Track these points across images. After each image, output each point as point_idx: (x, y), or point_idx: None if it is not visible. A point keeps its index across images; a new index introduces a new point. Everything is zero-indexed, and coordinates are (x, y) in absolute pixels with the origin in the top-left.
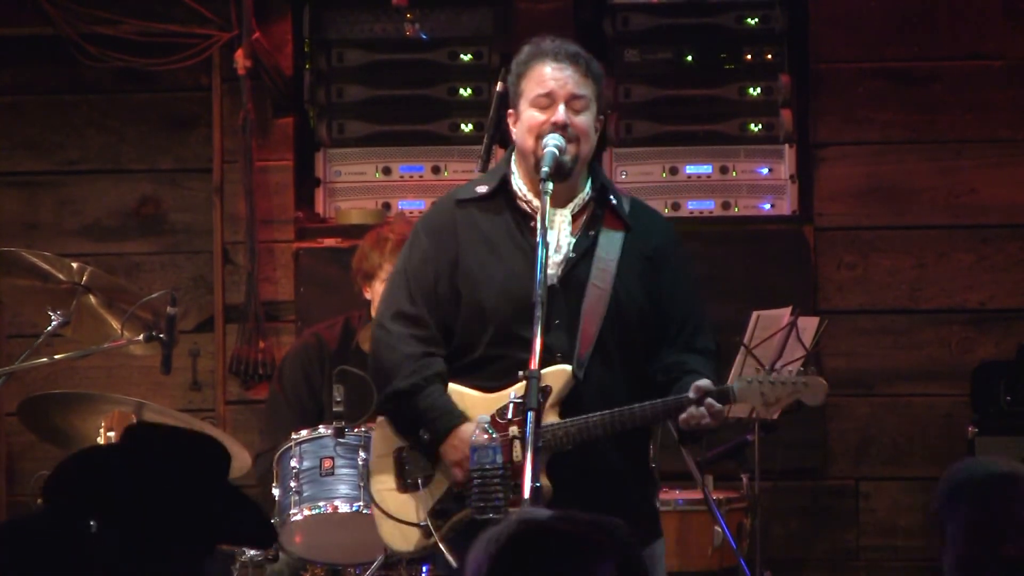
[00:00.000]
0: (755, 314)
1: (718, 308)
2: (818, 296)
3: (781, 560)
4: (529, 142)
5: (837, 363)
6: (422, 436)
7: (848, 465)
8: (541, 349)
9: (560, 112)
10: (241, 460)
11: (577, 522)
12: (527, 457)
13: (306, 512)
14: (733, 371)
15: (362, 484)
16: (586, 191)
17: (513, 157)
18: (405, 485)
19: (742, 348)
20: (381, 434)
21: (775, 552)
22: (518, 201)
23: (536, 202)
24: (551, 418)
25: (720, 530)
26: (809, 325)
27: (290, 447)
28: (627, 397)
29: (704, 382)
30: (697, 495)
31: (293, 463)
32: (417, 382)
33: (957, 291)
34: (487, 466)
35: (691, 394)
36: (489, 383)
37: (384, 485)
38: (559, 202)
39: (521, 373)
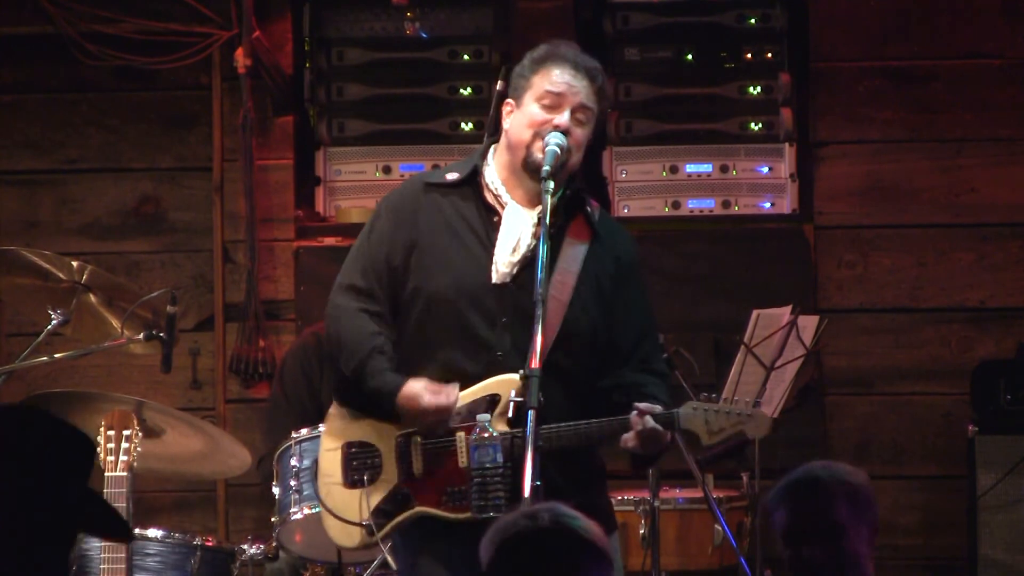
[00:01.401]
0: (755, 313)
1: (718, 307)
2: (818, 295)
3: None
4: (525, 136)
5: (837, 362)
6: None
7: (848, 463)
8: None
9: (565, 116)
10: (241, 459)
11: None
12: (527, 456)
13: (306, 511)
14: (733, 370)
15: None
16: (557, 196)
17: (492, 148)
18: (352, 481)
19: (742, 347)
20: (331, 427)
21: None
22: (485, 192)
23: (505, 196)
24: (501, 427)
25: (720, 529)
26: (809, 324)
27: (290, 446)
28: (578, 412)
29: (647, 404)
30: (697, 494)
31: (293, 462)
32: (361, 359)
33: (957, 290)
34: (487, 465)
35: (635, 416)
36: (432, 376)
37: (331, 479)
38: (527, 203)
39: (521, 372)
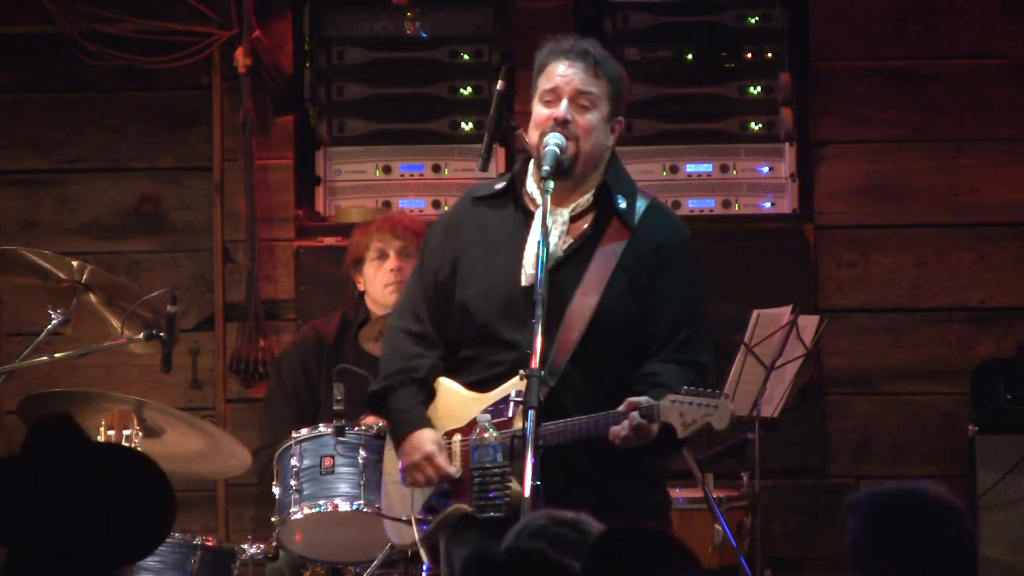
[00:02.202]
0: (755, 312)
1: (718, 307)
2: (818, 294)
3: (781, 558)
4: (534, 137)
5: (837, 361)
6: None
7: (848, 463)
8: (540, 346)
9: (562, 107)
10: (241, 458)
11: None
12: (527, 456)
13: (306, 511)
14: (733, 370)
15: (362, 483)
16: (590, 193)
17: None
18: (405, 480)
19: (743, 347)
20: None
21: (775, 550)
22: (525, 198)
23: (539, 199)
24: (523, 423)
25: (720, 528)
26: (809, 324)
27: (290, 445)
28: (608, 406)
29: (639, 398)
30: (697, 493)
31: (293, 461)
32: (391, 384)
33: (957, 289)
34: (487, 464)
35: (622, 408)
36: (470, 382)
37: (389, 478)
38: (558, 201)
39: (522, 372)
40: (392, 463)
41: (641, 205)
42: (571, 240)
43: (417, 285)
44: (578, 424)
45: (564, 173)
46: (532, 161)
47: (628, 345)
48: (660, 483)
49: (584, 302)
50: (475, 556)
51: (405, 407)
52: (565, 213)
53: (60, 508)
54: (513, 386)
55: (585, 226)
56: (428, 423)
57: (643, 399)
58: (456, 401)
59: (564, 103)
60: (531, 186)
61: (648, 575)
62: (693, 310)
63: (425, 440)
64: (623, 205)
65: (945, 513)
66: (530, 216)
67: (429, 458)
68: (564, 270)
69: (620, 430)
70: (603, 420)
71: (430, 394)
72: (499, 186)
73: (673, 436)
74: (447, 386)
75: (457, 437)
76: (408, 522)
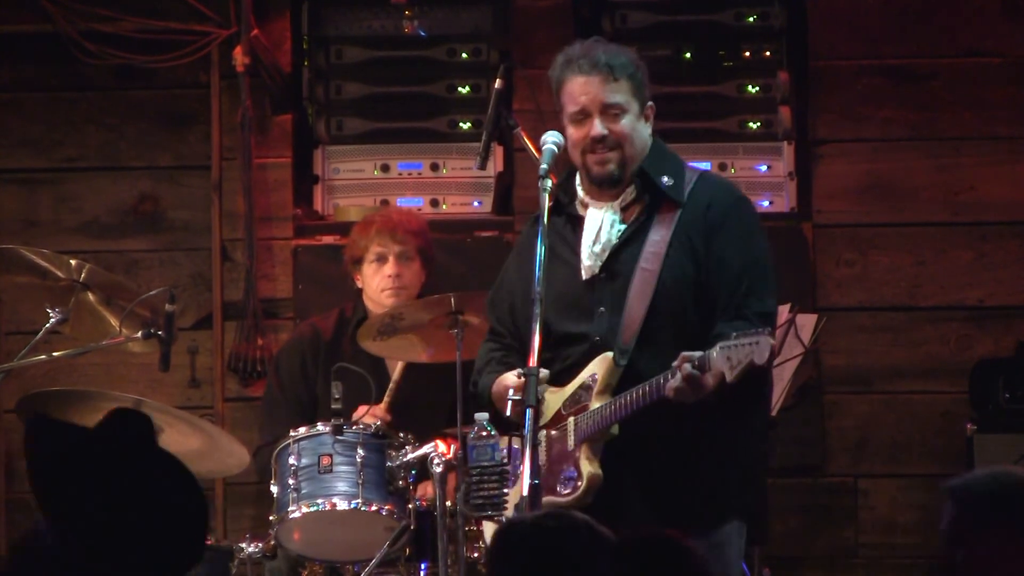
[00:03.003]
0: None
1: None
2: (817, 293)
3: (780, 557)
4: (576, 158)
5: (836, 360)
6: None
7: (847, 462)
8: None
9: (597, 126)
10: (239, 457)
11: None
12: (526, 454)
13: (304, 509)
14: None
15: (360, 481)
16: (632, 185)
17: None
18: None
19: None
20: None
21: (774, 549)
22: (575, 204)
23: (586, 200)
24: (600, 401)
25: None
26: (808, 322)
27: (288, 444)
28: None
29: (693, 352)
30: None
31: (291, 460)
32: (475, 380)
33: (956, 288)
34: (486, 463)
35: (675, 364)
36: (549, 379)
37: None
38: (608, 199)
39: (520, 371)
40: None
41: (691, 178)
42: (624, 227)
43: (494, 303)
44: (636, 392)
45: (617, 181)
46: (577, 174)
47: (695, 313)
48: (750, 463)
49: (644, 277)
50: (506, 524)
51: (484, 382)
52: (616, 206)
53: (113, 494)
54: (587, 372)
55: (637, 212)
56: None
57: (696, 353)
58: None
59: (597, 121)
60: (579, 193)
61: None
62: (752, 262)
63: (503, 386)
64: (669, 183)
65: None
66: (580, 218)
67: (513, 380)
68: (621, 255)
69: (673, 382)
70: (660, 380)
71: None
72: (550, 204)
73: (740, 389)
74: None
75: (572, 419)
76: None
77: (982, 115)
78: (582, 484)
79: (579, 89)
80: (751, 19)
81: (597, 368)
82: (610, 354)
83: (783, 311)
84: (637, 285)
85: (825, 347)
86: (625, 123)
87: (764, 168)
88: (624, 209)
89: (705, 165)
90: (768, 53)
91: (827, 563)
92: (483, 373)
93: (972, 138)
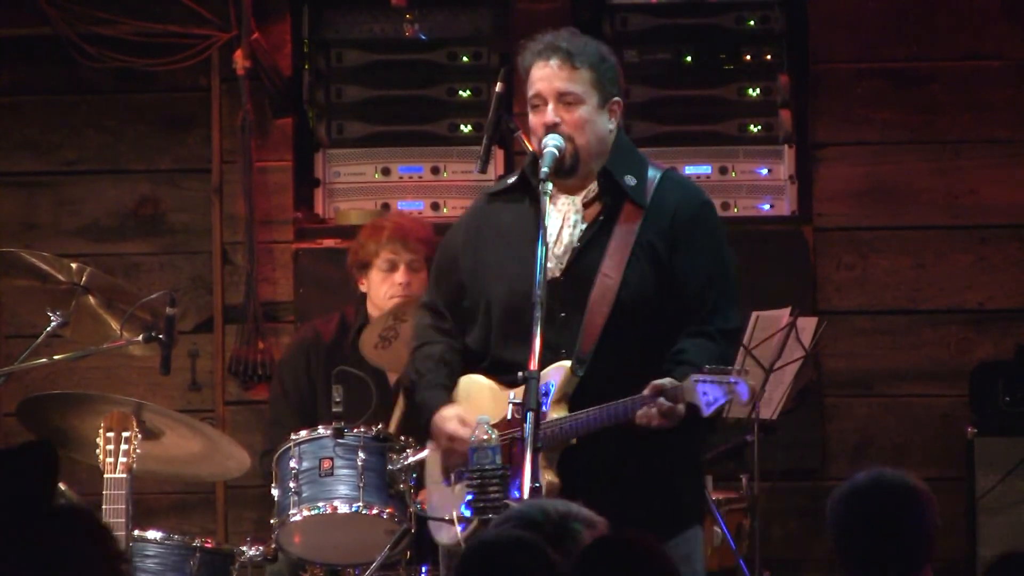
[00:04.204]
0: (754, 315)
1: None
2: (817, 296)
3: (780, 560)
4: (535, 145)
5: (836, 364)
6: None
7: (847, 465)
8: (542, 346)
9: (548, 112)
10: (240, 460)
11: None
12: (526, 457)
13: (305, 512)
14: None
15: (361, 485)
16: (595, 182)
17: None
18: (448, 479)
19: (741, 349)
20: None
21: (774, 552)
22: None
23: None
24: (559, 413)
25: (719, 530)
26: (808, 325)
27: (289, 447)
28: (642, 388)
29: (663, 380)
30: None
31: (292, 463)
32: (419, 371)
33: (956, 291)
34: (486, 466)
35: (646, 392)
36: (502, 378)
37: (432, 480)
38: (569, 191)
39: (520, 374)
40: (433, 464)
41: (654, 177)
42: (585, 227)
43: (436, 279)
44: (602, 412)
45: (569, 172)
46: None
47: (656, 324)
48: (698, 469)
49: (605, 285)
50: (476, 542)
51: (426, 396)
52: (577, 200)
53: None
54: (545, 377)
55: (598, 212)
56: (446, 402)
57: (667, 381)
58: (487, 396)
59: (550, 107)
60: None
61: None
62: (718, 276)
63: (445, 421)
64: (632, 183)
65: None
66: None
67: (452, 439)
68: (583, 259)
69: (648, 416)
70: (628, 405)
71: (455, 374)
72: (511, 179)
73: (701, 415)
74: (476, 381)
75: (495, 435)
76: (451, 521)
77: (982, 118)
78: (506, 501)
79: (538, 75)
80: (751, 22)
81: (553, 376)
82: (567, 363)
83: (783, 314)
84: (597, 293)
85: (825, 350)
86: (580, 112)
87: (764, 171)
88: (586, 205)
89: (705, 168)
90: (768, 56)
91: (827, 567)
92: (423, 378)
93: (972, 141)
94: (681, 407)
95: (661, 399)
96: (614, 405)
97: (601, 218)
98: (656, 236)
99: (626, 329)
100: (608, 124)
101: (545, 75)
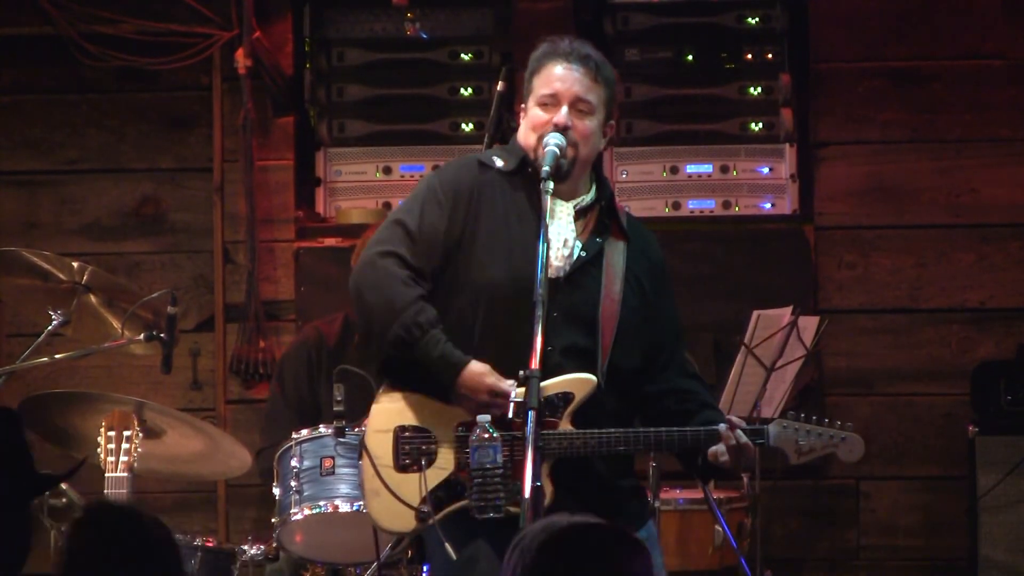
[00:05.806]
0: (756, 314)
1: (718, 308)
2: (818, 295)
3: (781, 559)
4: (530, 139)
5: (837, 363)
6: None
7: (848, 465)
8: (543, 345)
9: (562, 114)
10: (241, 459)
11: (601, 526)
12: (527, 457)
13: (306, 511)
14: (733, 371)
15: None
16: (591, 195)
17: None
18: (402, 465)
19: (743, 348)
20: (382, 408)
21: (776, 551)
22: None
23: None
24: (566, 426)
25: (721, 529)
26: (809, 324)
27: (290, 447)
28: (628, 412)
29: (737, 419)
30: (698, 494)
31: (293, 462)
32: (419, 324)
33: (957, 290)
34: (487, 465)
35: (724, 429)
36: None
37: (380, 461)
38: (560, 197)
39: (522, 373)
40: (380, 445)
41: (622, 216)
42: (587, 239)
43: (418, 241)
44: (678, 434)
45: (562, 177)
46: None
47: (642, 355)
48: (644, 494)
49: (611, 309)
50: (545, 525)
51: (446, 349)
52: (569, 207)
53: None
54: (558, 386)
55: (591, 224)
56: (470, 357)
57: (737, 419)
58: (428, 411)
59: (564, 109)
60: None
61: (601, 567)
62: (681, 324)
63: (483, 376)
64: (623, 217)
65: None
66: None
67: (495, 392)
68: (587, 269)
69: (729, 449)
70: (704, 434)
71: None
72: (500, 163)
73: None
74: (409, 397)
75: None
76: (426, 512)
77: (983, 117)
78: (506, 501)
79: (558, 75)
80: (753, 21)
81: (574, 388)
82: (594, 377)
83: (785, 313)
84: (607, 312)
85: (826, 349)
86: (589, 124)
87: (766, 170)
88: (578, 212)
89: (707, 167)
90: (770, 55)
91: (829, 565)
92: (430, 330)
93: (973, 140)
94: (756, 448)
95: (739, 434)
96: (693, 431)
97: (595, 232)
98: (642, 274)
99: (625, 350)
100: (601, 143)
101: (566, 77)
